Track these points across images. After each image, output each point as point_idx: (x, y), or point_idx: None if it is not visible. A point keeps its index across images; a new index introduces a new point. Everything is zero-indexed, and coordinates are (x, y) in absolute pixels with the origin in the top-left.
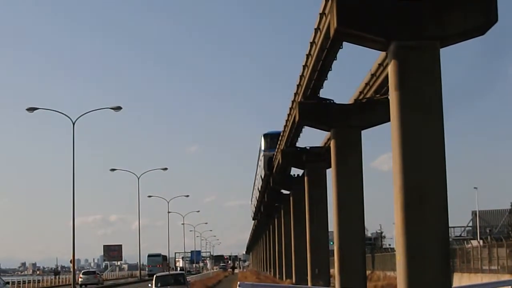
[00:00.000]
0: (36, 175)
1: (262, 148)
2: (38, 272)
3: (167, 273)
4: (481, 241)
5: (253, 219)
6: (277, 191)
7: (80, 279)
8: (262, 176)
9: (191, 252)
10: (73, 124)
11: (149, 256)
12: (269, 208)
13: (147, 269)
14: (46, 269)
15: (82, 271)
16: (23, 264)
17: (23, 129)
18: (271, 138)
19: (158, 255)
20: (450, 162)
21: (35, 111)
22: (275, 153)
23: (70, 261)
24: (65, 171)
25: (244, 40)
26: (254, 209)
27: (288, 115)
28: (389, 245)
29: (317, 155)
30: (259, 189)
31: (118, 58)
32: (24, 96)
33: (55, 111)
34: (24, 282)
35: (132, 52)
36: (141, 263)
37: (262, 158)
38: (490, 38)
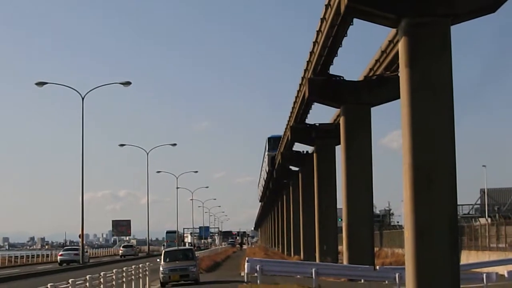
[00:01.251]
0: (46, 150)
1: (267, 149)
2: (46, 247)
3: (176, 248)
4: (489, 219)
5: (260, 201)
6: (286, 168)
7: (120, 251)
8: (267, 171)
9: (200, 228)
10: (82, 99)
11: (167, 232)
12: (277, 184)
13: (165, 244)
14: (55, 243)
15: (122, 245)
16: (32, 238)
17: (33, 104)
18: (274, 141)
19: (175, 232)
20: (459, 140)
21: (44, 86)
22: (277, 153)
23: (79, 236)
24: (74, 146)
25: (255, 17)
26: (260, 193)
27: (298, 91)
28: (397, 222)
29: (326, 132)
30: (265, 179)
31: (128, 34)
32: (34, 71)
33: (64, 85)
34: (33, 256)
35: (143, 28)
36: (156, 238)
37: (266, 156)
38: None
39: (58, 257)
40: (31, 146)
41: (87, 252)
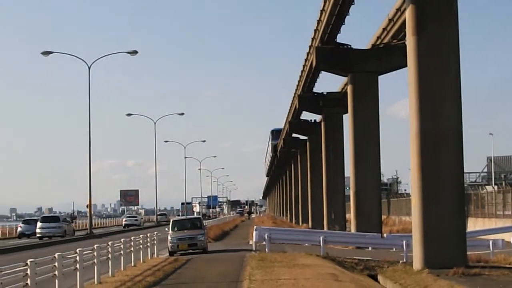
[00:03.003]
0: (53, 119)
1: (270, 139)
2: None
3: (184, 217)
4: (495, 187)
5: (266, 176)
6: (293, 137)
7: (157, 218)
8: (270, 156)
9: (208, 197)
10: (89, 68)
11: (182, 204)
12: (286, 153)
13: (180, 214)
14: (63, 213)
15: (158, 213)
16: (39, 209)
17: (39, 73)
18: (276, 132)
19: (189, 203)
20: (466, 108)
21: (50, 55)
22: (278, 142)
23: (87, 206)
24: (81, 116)
25: None
26: (266, 169)
27: (305, 60)
28: (405, 190)
29: (334, 100)
30: (269, 160)
31: (135, 1)
32: (40, 40)
33: (70, 55)
34: None
35: None
36: (164, 207)
37: (270, 145)
38: None
39: (123, 222)
40: (37, 116)
41: (142, 218)
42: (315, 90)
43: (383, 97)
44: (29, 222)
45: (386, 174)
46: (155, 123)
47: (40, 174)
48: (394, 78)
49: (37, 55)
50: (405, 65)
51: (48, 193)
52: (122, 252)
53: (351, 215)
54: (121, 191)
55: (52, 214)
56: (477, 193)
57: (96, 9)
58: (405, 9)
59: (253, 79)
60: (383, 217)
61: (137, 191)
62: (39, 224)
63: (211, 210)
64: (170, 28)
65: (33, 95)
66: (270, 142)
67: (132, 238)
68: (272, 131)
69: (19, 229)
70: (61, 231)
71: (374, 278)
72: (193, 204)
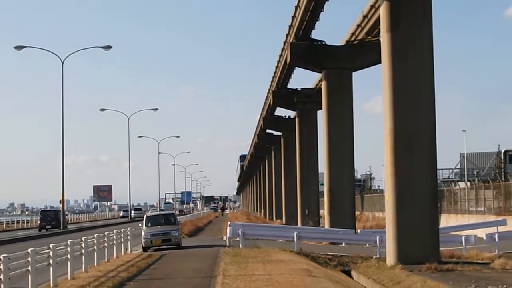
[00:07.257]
0: (25, 114)
1: (239, 161)
2: (26, 213)
3: (158, 213)
4: (468, 183)
5: (238, 181)
6: (268, 133)
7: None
8: (238, 173)
9: (182, 193)
10: (62, 63)
11: (164, 203)
12: (260, 149)
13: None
14: (35, 209)
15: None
16: (12, 204)
17: (12, 67)
18: (242, 157)
19: (170, 203)
20: (440, 105)
21: (23, 50)
22: (244, 163)
23: (60, 202)
24: (54, 111)
25: None
26: (238, 176)
27: (280, 56)
28: (378, 186)
29: (308, 97)
30: (238, 174)
31: None
32: (13, 34)
33: (43, 49)
34: (12, 222)
35: None
36: (138, 203)
37: (239, 165)
38: None
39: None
40: (9, 110)
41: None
42: (289, 86)
43: (358, 93)
44: (126, 211)
45: (360, 170)
46: (128, 118)
47: (12, 169)
48: (370, 74)
49: (10, 49)
50: (380, 62)
51: (20, 188)
52: (95, 247)
53: (325, 211)
54: (94, 186)
55: (139, 207)
56: (450, 190)
57: (71, 3)
58: (379, 6)
59: (228, 75)
60: (357, 213)
61: (110, 186)
62: (133, 212)
63: (184, 206)
64: (145, 23)
65: (4, 90)
66: (239, 164)
67: (105, 233)
68: (240, 156)
69: (121, 213)
70: (143, 215)
71: (348, 273)
72: (167, 200)
